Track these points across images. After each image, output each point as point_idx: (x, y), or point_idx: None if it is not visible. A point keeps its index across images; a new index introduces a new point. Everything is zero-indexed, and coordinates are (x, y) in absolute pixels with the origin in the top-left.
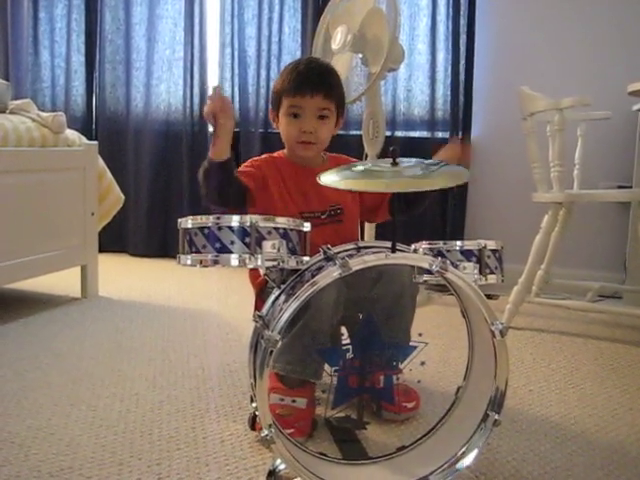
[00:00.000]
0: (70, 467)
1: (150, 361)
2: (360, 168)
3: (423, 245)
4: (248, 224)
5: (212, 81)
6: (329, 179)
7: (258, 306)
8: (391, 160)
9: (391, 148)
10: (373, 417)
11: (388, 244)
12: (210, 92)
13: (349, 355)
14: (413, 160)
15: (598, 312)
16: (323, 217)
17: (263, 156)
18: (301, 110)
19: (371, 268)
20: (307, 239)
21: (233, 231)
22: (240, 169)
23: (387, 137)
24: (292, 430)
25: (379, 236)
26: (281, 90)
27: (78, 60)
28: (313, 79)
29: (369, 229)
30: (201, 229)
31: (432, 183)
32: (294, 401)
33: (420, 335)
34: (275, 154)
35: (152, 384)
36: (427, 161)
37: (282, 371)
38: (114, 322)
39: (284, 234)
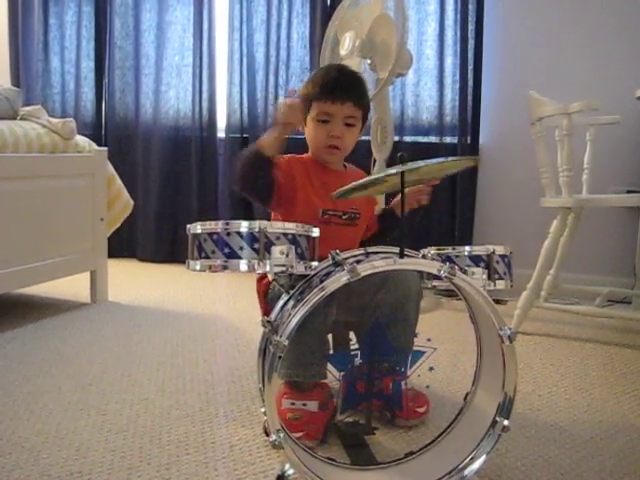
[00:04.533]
0: (79, 471)
1: (159, 366)
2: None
3: (432, 250)
4: (257, 230)
5: (221, 87)
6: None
7: (263, 308)
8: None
9: (399, 154)
10: (382, 422)
11: (396, 249)
12: (288, 94)
13: (358, 361)
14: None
15: (607, 317)
16: (344, 217)
17: (289, 155)
18: (330, 116)
19: (377, 273)
20: (316, 244)
21: (242, 237)
22: None
23: (395, 142)
24: (302, 434)
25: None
26: (312, 95)
27: (88, 66)
28: (345, 87)
29: None
30: (210, 235)
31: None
32: (305, 404)
33: (429, 340)
34: (298, 155)
35: (161, 389)
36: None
37: (285, 377)
38: (123, 327)
39: (293, 239)
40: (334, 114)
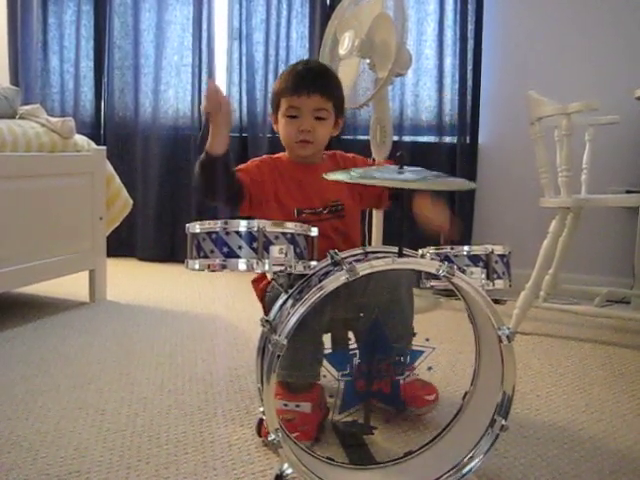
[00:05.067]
0: (78, 471)
1: (158, 365)
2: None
3: (430, 250)
4: (255, 229)
5: (220, 86)
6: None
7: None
8: (398, 167)
9: (398, 153)
10: (381, 422)
11: (395, 249)
12: (205, 88)
13: (356, 360)
14: (419, 169)
15: (606, 317)
16: (325, 213)
17: (263, 156)
18: (299, 110)
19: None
20: (315, 244)
21: (241, 236)
22: (237, 167)
23: (394, 142)
24: (296, 434)
25: (387, 241)
26: (279, 91)
27: (87, 65)
28: (310, 79)
29: (376, 233)
30: (209, 234)
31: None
32: (298, 406)
33: (427, 340)
34: (275, 155)
35: (160, 388)
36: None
37: (279, 377)
38: (122, 326)
39: (291, 239)
40: (301, 107)
